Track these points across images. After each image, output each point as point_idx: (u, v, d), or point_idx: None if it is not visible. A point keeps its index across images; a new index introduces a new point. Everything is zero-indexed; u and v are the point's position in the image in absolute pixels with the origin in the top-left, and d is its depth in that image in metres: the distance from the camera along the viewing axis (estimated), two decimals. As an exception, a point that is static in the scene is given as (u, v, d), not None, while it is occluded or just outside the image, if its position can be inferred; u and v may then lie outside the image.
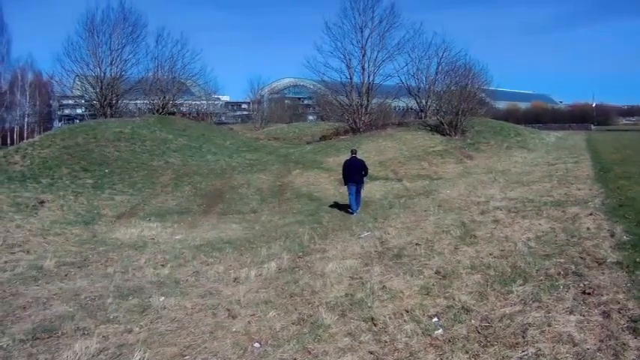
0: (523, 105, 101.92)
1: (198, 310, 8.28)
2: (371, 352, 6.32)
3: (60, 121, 79.36)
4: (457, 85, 40.80)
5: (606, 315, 6.56)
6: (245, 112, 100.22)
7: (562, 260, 8.80)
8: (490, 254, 9.60)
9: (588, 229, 10.82)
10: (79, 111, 73.44)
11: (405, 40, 45.65)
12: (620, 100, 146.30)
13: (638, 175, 18.01)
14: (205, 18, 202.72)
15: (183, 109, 54.64)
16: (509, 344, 6.13)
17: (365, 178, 19.26)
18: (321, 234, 14.16)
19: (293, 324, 7.39)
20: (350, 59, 43.90)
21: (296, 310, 7.95)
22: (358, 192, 18.71)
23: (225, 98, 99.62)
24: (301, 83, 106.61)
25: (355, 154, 19.68)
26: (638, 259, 8.28)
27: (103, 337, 7.29)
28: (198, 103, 63.40)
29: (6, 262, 12.24)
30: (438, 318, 7.08)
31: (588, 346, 5.89)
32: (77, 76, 48.57)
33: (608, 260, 8.53)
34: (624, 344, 5.78)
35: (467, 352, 6.05)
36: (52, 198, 20.22)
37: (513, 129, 41.68)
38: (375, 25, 43.66)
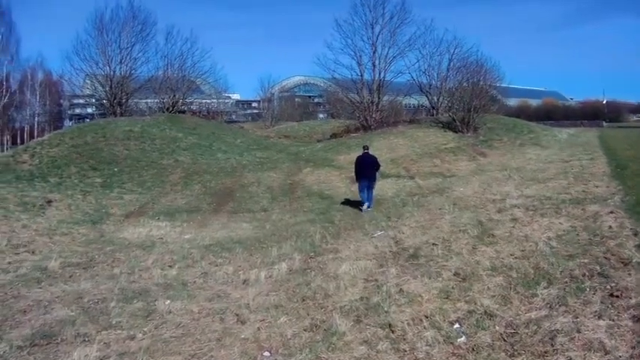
0: (534, 102, 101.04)
1: (206, 315, 7.88)
2: (389, 363, 5.92)
3: (71, 120, 79.43)
4: (469, 81, 40.25)
5: (637, 319, 6.17)
6: (255, 111, 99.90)
7: (586, 261, 8.36)
8: (511, 255, 9.15)
9: (610, 227, 10.36)
10: (89, 110, 73.46)
11: (416, 36, 45.20)
12: (630, 97, 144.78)
13: (656, 172, 17.53)
14: (215, 16, 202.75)
15: (194, 107, 54.13)
16: (537, 353, 5.72)
17: (377, 175, 19.07)
18: (333, 233, 13.73)
19: (305, 330, 6.98)
20: (360, 56, 43.57)
21: (308, 315, 7.53)
22: (370, 188, 18.52)
23: (236, 97, 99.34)
24: (312, 81, 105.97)
25: (367, 149, 19.61)
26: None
27: (104, 343, 6.92)
28: (208, 101, 63.02)
29: (10, 262, 11.93)
30: (460, 324, 6.65)
31: (620, 354, 5.52)
32: (87, 75, 48.39)
33: (634, 260, 8.11)
34: (658, 352, 5.36)
35: (493, 363, 5.64)
36: (59, 197, 19.97)
37: (526, 126, 41.09)
38: (386, 21, 43.28)
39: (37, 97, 71.99)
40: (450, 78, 46.29)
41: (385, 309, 7.26)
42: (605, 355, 5.51)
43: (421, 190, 20.99)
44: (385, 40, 43.44)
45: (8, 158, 25.36)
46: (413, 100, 53.98)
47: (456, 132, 36.01)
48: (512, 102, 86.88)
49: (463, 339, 6.25)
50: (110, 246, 14.08)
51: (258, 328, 7.17)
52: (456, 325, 6.62)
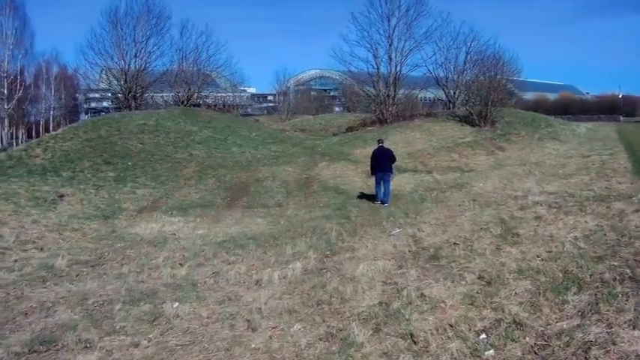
0: (550, 96, 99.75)
1: (215, 321, 7.41)
2: (412, 378, 5.45)
3: (87, 114, 79.56)
4: (486, 74, 39.62)
5: (673, 330, 5.61)
6: (271, 104, 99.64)
7: (616, 263, 7.82)
8: (537, 256, 8.63)
9: (637, 227, 9.81)
10: (105, 104, 73.49)
11: (433, 28, 44.78)
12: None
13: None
14: (230, 10, 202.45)
15: (209, 101, 54.00)
16: (572, 368, 5.23)
17: (393, 168, 18.92)
18: (350, 230, 13.27)
19: (320, 340, 6.48)
20: (377, 49, 43.08)
21: (324, 321, 7.03)
22: (386, 182, 18.33)
23: (251, 90, 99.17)
24: (327, 74, 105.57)
25: (382, 143, 19.52)
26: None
27: (107, 351, 6.49)
28: (223, 94, 62.84)
29: (16, 260, 11.60)
30: (487, 334, 6.14)
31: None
32: (103, 69, 48.30)
33: (665, 263, 7.55)
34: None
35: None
36: (72, 192, 19.71)
37: (544, 120, 40.52)
38: (402, 13, 42.75)
39: (52, 91, 72.20)
40: (467, 71, 45.73)
41: (406, 316, 6.75)
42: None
43: (439, 185, 20.54)
44: (401, 33, 42.97)
45: (21, 152, 25.13)
46: (429, 94, 53.38)
47: (474, 126, 35.47)
48: (529, 96, 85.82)
49: (492, 352, 5.74)
50: (121, 242, 13.75)
51: (270, 337, 6.69)
52: (483, 336, 6.12)
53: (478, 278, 7.89)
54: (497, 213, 12.45)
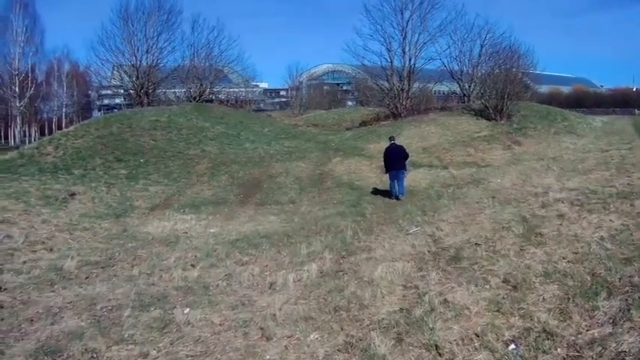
0: (564, 89, 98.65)
1: (227, 328, 7.06)
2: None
3: (99, 110, 79.85)
4: (501, 67, 39.02)
5: None
6: (283, 99, 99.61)
7: (645, 265, 7.43)
8: (563, 258, 8.23)
9: (664, 226, 9.40)
10: (117, 100, 73.58)
11: (447, 21, 44.10)
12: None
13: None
14: (242, 3, 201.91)
15: (221, 96, 53.81)
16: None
17: (407, 165, 19.05)
18: (365, 228, 12.92)
19: (339, 350, 6.09)
20: (390, 42, 42.48)
21: (342, 330, 6.65)
22: (400, 178, 18.34)
23: (264, 85, 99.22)
24: (340, 69, 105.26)
25: (394, 140, 19.59)
26: None
27: (113, 362, 6.21)
28: (236, 90, 62.62)
29: (25, 262, 11.29)
30: (516, 345, 5.74)
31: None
32: (114, 66, 48.15)
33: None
34: None
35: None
36: (83, 190, 19.50)
37: (559, 113, 39.82)
38: (416, 6, 42.06)
39: (65, 88, 72.40)
40: (482, 64, 45.11)
41: (430, 325, 6.35)
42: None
43: (455, 181, 20.13)
44: (415, 26, 42.34)
45: (32, 150, 25.01)
46: (444, 87, 52.81)
47: (489, 120, 34.90)
48: (543, 89, 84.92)
49: (522, 364, 5.38)
50: (132, 242, 13.47)
51: (286, 347, 6.33)
52: (512, 347, 5.73)
53: (503, 282, 7.50)
54: (517, 211, 12.02)
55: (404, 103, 41.02)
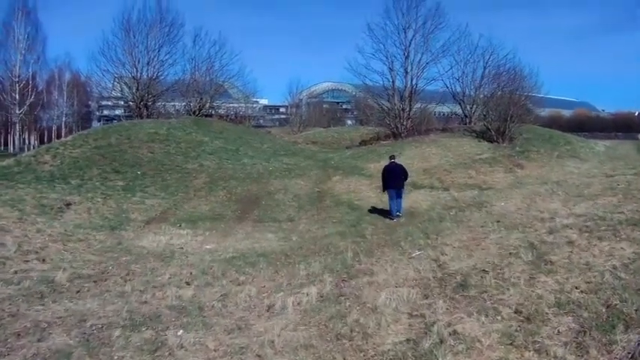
0: (565, 112, 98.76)
1: (222, 354, 6.67)
2: None
3: (99, 121, 79.79)
4: (504, 89, 38.90)
5: None
6: (283, 116, 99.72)
7: (661, 297, 7.12)
8: (575, 287, 7.90)
9: (678, 255, 9.09)
10: (117, 112, 73.39)
11: (451, 42, 43.79)
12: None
13: None
14: (244, 21, 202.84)
15: (221, 111, 53.52)
16: None
17: (405, 183, 18.94)
18: (366, 250, 12.58)
19: (342, 383, 5.81)
20: (392, 61, 42.30)
21: (345, 361, 6.35)
22: (399, 197, 18.33)
23: (264, 101, 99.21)
24: (340, 87, 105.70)
25: (394, 159, 19.52)
26: None
27: (101, 387, 5.85)
28: (235, 105, 62.44)
29: (16, 272, 10.95)
30: (533, 381, 5.44)
31: None
32: (115, 77, 47.95)
33: None
34: None
35: None
36: (79, 200, 19.18)
37: (562, 137, 39.65)
38: (419, 25, 41.95)
39: (65, 98, 72.21)
40: (485, 86, 44.96)
41: (439, 359, 6.01)
42: None
43: (457, 204, 19.79)
44: (418, 46, 42.18)
45: (30, 158, 24.67)
46: (445, 109, 52.62)
47: (491, 142, 34.68)
48: (544, 112, 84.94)
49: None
50: (126, 255, 13.15)
51: (285, 378, 6.02)
52: (528, 383, 5.42)
53: (515, 313, 7.15)
54: (524, 236, 11.69)
55: (405, 123, 40.81)
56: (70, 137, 30.36)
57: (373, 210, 19.65)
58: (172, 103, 49.95)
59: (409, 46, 42.02)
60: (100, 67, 45.71)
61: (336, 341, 6.94)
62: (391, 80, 42.37)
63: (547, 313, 6.99)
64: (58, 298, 9.34)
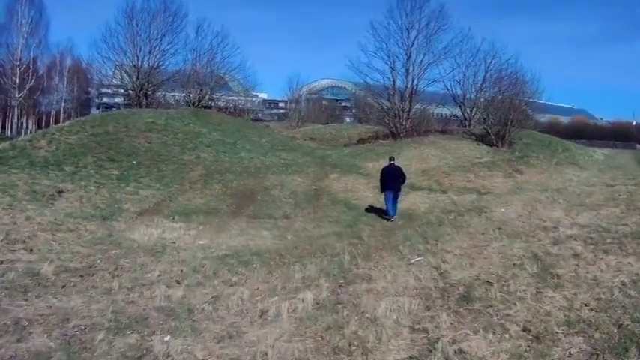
0: (563, 119, 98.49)
1: (211, 366, 6.35)
2: None
3: (98, 108, 79.18)
4: (505, 93, 38.57)
5: None
6: (282, 111, 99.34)
7: (672, 317, 6.80)
8: (585, 304, 7.56)
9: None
10: (117, 100, 72.91)
11: (453, 44, 43.41)
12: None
13: None
14: (247, 13, 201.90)
15: (220, 103, 53.18)
16: None
17: (402, 186, 18.87)
18: (364, 253, 12.23)
19: (340, 404, 5.42)
20: (394, 61, 41.92)
21: (343, 378, 5.96)
22: (395, 199, 18.20)
23: (263, 95, 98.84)
24: (340, 85, 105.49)
25: (393, 160, 19.44)
26: None
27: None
28: (235, 98, 62.09)
29: (2, 262, 10.60)
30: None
31: None
32: (117, 66, 47.54)
33: None
34: None
35: None
36: (72, 188, 18.75)
37: (560, 144, 39.38)
38: (423, 26, 41.55)
39: (65, 83, 71.64)
40: (486, 89, 44.65)
41: (446, 382, 5.65)
42: None
43: (456, 207, 19.47)
44: (420, 47, 41.79)
45: (25, 143, 24.21)
46: (445, 110, 52.34)
47: (491, 146, 34.36)
48: (543, 118, 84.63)
49: None
50: (116, 248, 12.75)
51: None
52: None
53: (523, 331, 6.79)
54: (528, 246, 11.37)
55: (404, 123, 40.46)
56: (67, 123, 29.99)
57: (370, 210, 19.33)
58: (172, 94, 49.67)
59: (411, 46, 41.66)
60: (101, 54, 45.50)
61: (333, 355, 6.54)
62: (392, 80, 42.02)
63: (557, 333, 6.65)
64: (42, 293, 8.97)
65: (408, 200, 20.02)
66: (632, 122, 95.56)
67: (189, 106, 43.15)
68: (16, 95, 56.91)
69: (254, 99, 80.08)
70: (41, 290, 9.13)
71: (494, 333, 6.78)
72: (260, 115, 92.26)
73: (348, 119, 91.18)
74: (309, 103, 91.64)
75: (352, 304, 8.37)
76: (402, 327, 7.25)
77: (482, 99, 44.53)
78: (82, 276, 10.20)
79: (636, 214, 15.14)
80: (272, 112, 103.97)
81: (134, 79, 44.05)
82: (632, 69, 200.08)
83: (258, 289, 9.50)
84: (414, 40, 41.57)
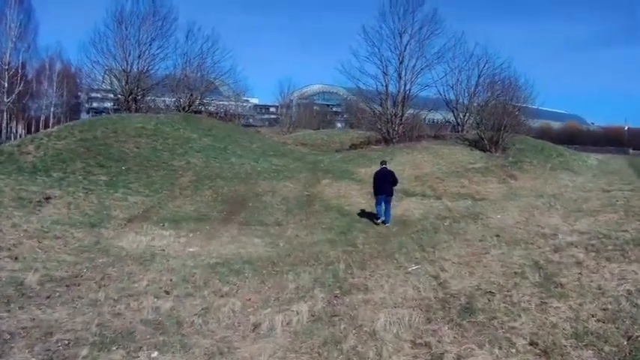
0: (555, 124, 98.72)
1: (201, 385, 6.00)
2: None
3: (88, 113, 78.47)
4: (499, 98, 38.43)
5: None
6: (273, 116, 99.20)
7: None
8: (592, 315, 7.28)
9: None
10: (107, 105, 72.37)
11: (446, 48, 43.30)
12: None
13: None
14: (237, 19, 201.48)
15: (211, 108, 52.81)
16: None
17: (394, 189, 18.86)
18: (359, 262, 11.91)
19: None
20: (387, 66, 41.69)
21: (342, 399, 5.62)
22: (387, 203, 18.15)
23: (254, 100, 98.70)
24: (332, 90, 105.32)
25: (385, 164, 19.31)
26: None
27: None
28: (226, 103, 61.76)
29: (-16, 271, 10.22)
30: None
31: None
32: (106, 70, 47.05)
33: None
34: None
35: None
36: (59, 194, 18.36)
37: (554, 149, 39.32)
38: (415, 31, 41.29)
39: (55, 88, 70.97)
40: (479, 94, 44.55)
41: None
42: None
43: (451, 214, 19.19)
44: (413, 51, 41.52)
45: (13, 148, 23.86)
46: (437, 116, 52.20)
47: (484, 151, 34.14)
48: (536, 123, 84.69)
49: None
50: (104, 257, 12.37)
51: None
52: None
53: (530, 345, 6.48)
54: (528, 254, 11.10)
55: (396, 128, 40.26)
56: (55, 128, 29.61)
57: (364, 216, 19.01)
58: (162, 98, 49.18)
59: (404, 50, 41.42)
60: (90, 57, 44.97)
61: (331, 374, 6.21)
62: (384, 84, 41.79)
63: (565, 346, 6.36)
64: (25, 304, 8.59)
65: (401, 206, 19.76)
66: (624, 127, 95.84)
67: (180, 111, 42.75)
68: (5, 100, 56.24)
69: (245, 104, 79.82)
70: (25, 301, 8.75)
71: (500, 347, 6.47)
72: (251, 120, 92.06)
73: (339, 124, 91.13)
74: (301, 108, 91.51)
75: (349, 316, 8.03)
76: (402, 342, 6.91)
77: (475, 104, 44.49)
78: (67, 286, 9.85)
79: (635, 220, 14.98)
80: (263, 117, 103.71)
81: (123, 83, 43.55)
82: (624, 74, 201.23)
83: (250, 300, 9.15)
84: (406, 45, 41.39)
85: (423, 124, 49.21)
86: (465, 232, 14.86)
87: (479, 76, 45.03)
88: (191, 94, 45.72)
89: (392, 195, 18.50)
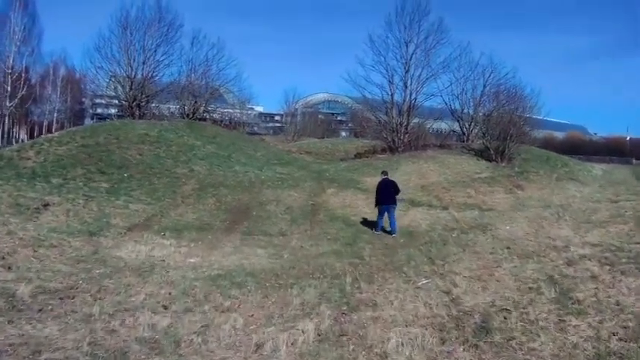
0: (558, 134, 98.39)
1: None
2: None
3: (92, 119, 78.37)
4: (504, 108, 38.07)
5: None
6: (278, 124, 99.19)
7: None
8: (613, 334, 6.84)
9: None
10: (111, 111, 72.17)
11: (452, 58, 43.01)
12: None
13: None
14: (243, 29, 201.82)
15: (215, 116, 52.41)
16: None
17: (397, 198, 18.72)
18: (366, 275, 11.45)
19: None
20: (392, 75, 41.47)
21: None
22: (391, 214, 18.05)
23: (259, 109, 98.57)
24: (336, 99, 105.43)
25: (386, 175, 19.34)
26: None
27: None
28: (230, 111, 61.43)
29: (-24, 282, 9.80)
30: None
31: None
32: (111, 77, 46.77)
33: None
34: None
35: None
36: (58, 201, 18.00)
37: (559, 159, 38.98)
38: (421, 40, 41.15)
39: (58, 93, 70.84)
40: (485, 104, 44.15)
41: None
42: None
43: (459, 225, 18.72)
44: (419, 60, 41.37)
45: (13, 153, 23.49)
46: (443, 125, 51.84)
47: (490, 161, 33.77)
48: (541, 133, 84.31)
49: None
50: (101, 267, 11.94)
51: None
52: None
53: (553, 370, 6.03)
54: (541, 267, 10.63)
55: (402, 137, 39.95)
56: (56, 133, 29.30)
57: (370, 227, 18.55)
58: (166, 105, 48.84)
59: (410, 60, 41.24)
60: (94, 63, 44.62)
61: (339, 403, 5.75)
62: (390, 93, 41.62)
63: (591, 372, 5.88)
64: (15, 318, 8.15)
65: (408, 216, 19.34)
66: (626, 137, 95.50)
67: (184, 118, 42.41)
68: (7, 104, 56.05)
69: (250, 112, 79.59)
70: (15, 315, 8.31)
71: (522, 374, 6.00)
72: (256, 128, 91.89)
73: (343, 133, 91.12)
74: (305, 116, 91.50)
75: (358, 335, 7.55)
76: (417, 367, 6.45)
77: (480, 113, 44.09)
78: (61, 299, 9.41)
79: (646, 231, 14.52)
80: (268, 125, 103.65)
81: (127, 89, 43.22)
82: (626, 84, 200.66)
83: (252, 316, 8.68)
84: (412, 54, 41.25)
85: (429, 133, 48.90)
86: (474, 244, 14.41)
87: (484, 86, 44.57)
88: (195, 102, 45.40)
89: (395, 204, 18.32)
